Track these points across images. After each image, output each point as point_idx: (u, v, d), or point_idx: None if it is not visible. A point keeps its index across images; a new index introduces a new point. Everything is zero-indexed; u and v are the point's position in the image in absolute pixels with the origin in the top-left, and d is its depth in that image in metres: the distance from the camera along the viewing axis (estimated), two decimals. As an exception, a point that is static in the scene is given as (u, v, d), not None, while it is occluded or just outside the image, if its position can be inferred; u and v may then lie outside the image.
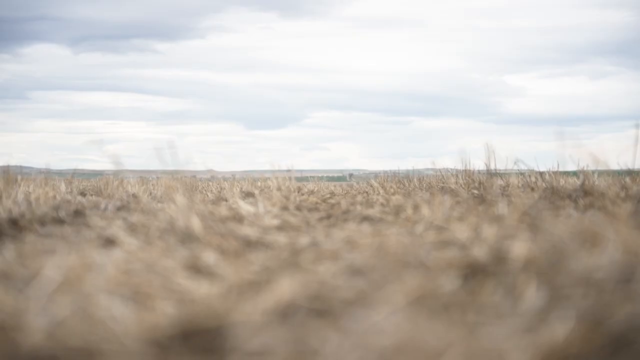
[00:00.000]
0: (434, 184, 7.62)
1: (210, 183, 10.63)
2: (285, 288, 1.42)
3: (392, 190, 6.64)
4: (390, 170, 12.92)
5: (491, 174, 6.58)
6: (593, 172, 5.88)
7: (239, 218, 3.18)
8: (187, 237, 2.39)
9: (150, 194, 5.84)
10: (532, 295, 1.39)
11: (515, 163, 6.66)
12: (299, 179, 10.94)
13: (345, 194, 6.78)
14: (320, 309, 1.36)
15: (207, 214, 3.10)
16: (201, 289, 1.50)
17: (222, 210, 3.55)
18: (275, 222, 2.97)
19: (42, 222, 3.27)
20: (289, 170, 7.65)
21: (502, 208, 3.12)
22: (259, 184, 7.57)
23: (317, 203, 4.73)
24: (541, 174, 6.99)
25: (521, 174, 7.44)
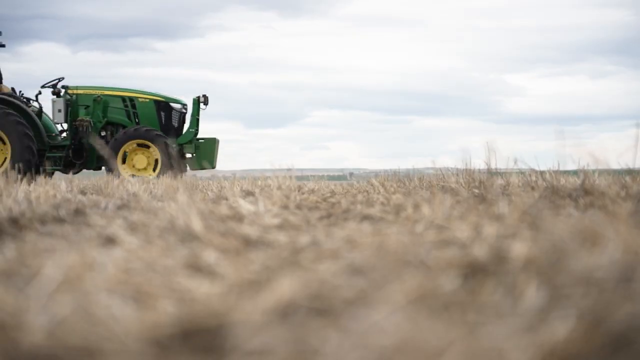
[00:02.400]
0: (435, 183, 7.62)
1: (211, 182, 10.63)
2: (286, 287, 1.43)
3: (392, 190, 6.63)
4: (391, 169, 12.92)
5: (491, 173, 6.58)
6: (593, 171, 5.88)
7: (239, 217, 3.18)
8: (187, 236, 2.39)
9: (151, 192, 5.84)
10: (533, 294, 1.39)
11: (515, 162, 6.67)
12: (299, 178, 10.95)
13: (346, 193, 6.78)
14: (320, 308, 1.36)
15: (207, 213, 3.10)
16: (201, 288, 1.50)
17: (223, 209, 3.55)
18: (276, 221, 2.97)
19: (43, 221, 3.27)
20: (289, 169, 7.65)
21: (502, 207, 3.12)
22: (259, 182, 7.57)
23: (317, 202, 4.73)
24: (541, 173, 7.00)
25: (521, 173, 7.45)
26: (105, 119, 13.66)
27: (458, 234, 2.22)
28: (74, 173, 13.20)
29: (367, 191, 6.95)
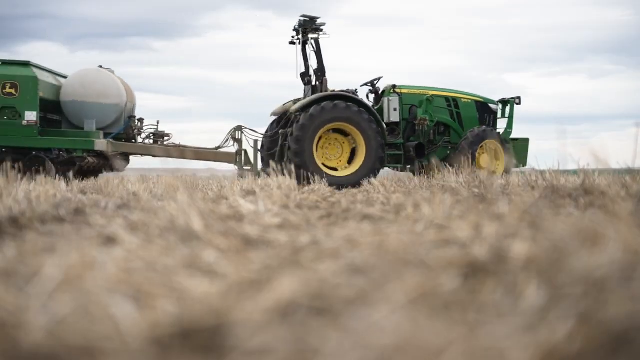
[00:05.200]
0: (435, 183, 7.62)
1: (211, 181, 10.63)
2: (286, 287, 1.43)
3: (392, 189, 6.64)
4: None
5: (492, 172, 6.58)
6: (593, 171, 5.89)
7: (239, 216, 3.18)
8: (187, 236, 2.39)
9: (151, 192, 5.84)
10: (533, 294, 1.39)
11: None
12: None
13: (346, 192, 6.78)
14: (320, 307, 1.36)
15: (207, 212, 3.10)
16: (201, 288, 1.50)
17: (223, 208, 3.55)
18: (276, 220, 2.97)
19: (43, 220, 3.27)
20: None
21: (502, 207, 3.12)
22: (259, 182, 7.57)
23: (317, 201, 4.73)
24: (542, 172, 7.00)
25: (522, 172, 7.45)
26: (436, 118, 13.99)
27: (458, 234, 2.22)
28: (410, 171, 13.46)
29: (367, 190, 6.95)
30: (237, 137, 13.77)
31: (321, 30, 13.45)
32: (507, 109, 14.25)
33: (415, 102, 13.73)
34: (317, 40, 13.45)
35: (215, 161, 13.74)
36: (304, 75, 13.83)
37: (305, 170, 11.42)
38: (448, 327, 1.19)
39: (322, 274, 1.64)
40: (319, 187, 7.21)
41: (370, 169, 12.14)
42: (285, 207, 3.91)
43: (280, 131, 13.03)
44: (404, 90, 13.77)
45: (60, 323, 1.22)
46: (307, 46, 13.80)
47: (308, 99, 12.81)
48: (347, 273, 1.69)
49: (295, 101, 13.30)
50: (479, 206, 3.48)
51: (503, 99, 14.40)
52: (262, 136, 13.57)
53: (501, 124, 14.23)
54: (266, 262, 1.89)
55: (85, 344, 1.14)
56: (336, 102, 12.73)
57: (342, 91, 13.35)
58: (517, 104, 14.33)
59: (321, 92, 13.22)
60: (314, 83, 13.57)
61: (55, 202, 4.03)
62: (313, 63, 13.61)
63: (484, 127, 13.57)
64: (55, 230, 2.93)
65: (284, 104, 13.68)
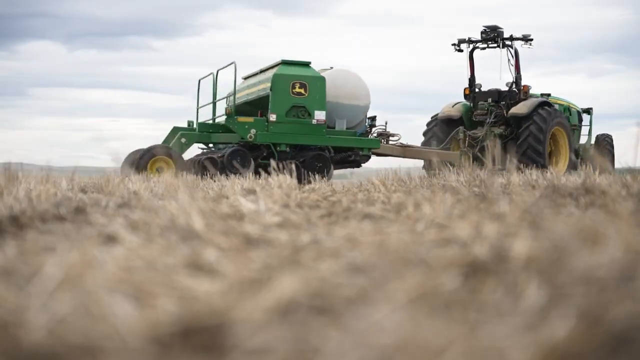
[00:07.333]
0: (435, 182, 7.62)
1: (211, 180, 10.62)
2: (286, 286, 1.43)
3: (393, 188, 6.63)
4: (391, 168, 13.02)
5: (492, 171, 6.58)
6: (594, 170, 5.89)
7: (240, 215, 3.18)
8: (188, 235, 2.39)
9: (152, 191, 5.84)
10: (533, 293, 1.39)
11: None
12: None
13: (346, 191, 6.78)
14: (321, 306, 1.36)
15: (208, 211, 3.10)
16: (202, 287, 1.50)
17: (223, 207, 3.55)
18: (276, 219, 2.97)
19: (43, 219, 3.27)
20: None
21: (503, 206, 3.12)
22: (260, 181, 7.56)
23: (318, 201, 4.73)
24: (542, 171, 7.00)
25: (522, 171, 7.45)
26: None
27: (459, 233, 2.22)
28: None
29: (367, 190, 6.95)
30: (458, 138, 14.61)
31: (531, 41, 14.65)
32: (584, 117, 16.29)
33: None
34: (516, 49, 14.56)
35: (440, 160, 14.53)
36: (472, 82, 15.02)
37: (544, 168, 12.34)
38: (448, 327, 1.19)
39: (322, 273, 1.64)
40: (320, 187, 7.21)
41: (573, 165, 14.19)
42: (286, 206, 3.91)
43: (498, 131, 14.59)
44: (550, 100, 15.25)
45: (61, 322, 1.22)
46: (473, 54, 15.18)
47: (530, 104, 14.35)
48: (348, 272, 1.69)
49: (488, 108, 14.83)
50: (479, 205, 3.48)
51: (582, 108, 16.19)
52: (473, 136, 14.76)
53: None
54: (267, 261, 1.89)
55: (86, 343, 1.14)
56: (553, 107, 14.42)
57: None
58: (590, 113, 16.20)
59: (523, 98, 14.67)
60: (506, 89, 14.95)
61: (55, 200, 4.03)
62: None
63: (605, 132, 15.73)
64: (55, 229, 2.93)
65: (452, 106, 14.87)
